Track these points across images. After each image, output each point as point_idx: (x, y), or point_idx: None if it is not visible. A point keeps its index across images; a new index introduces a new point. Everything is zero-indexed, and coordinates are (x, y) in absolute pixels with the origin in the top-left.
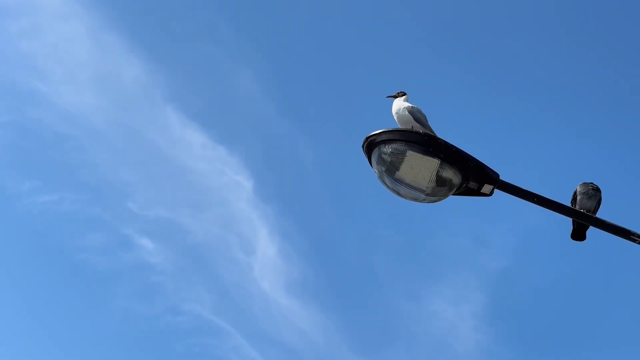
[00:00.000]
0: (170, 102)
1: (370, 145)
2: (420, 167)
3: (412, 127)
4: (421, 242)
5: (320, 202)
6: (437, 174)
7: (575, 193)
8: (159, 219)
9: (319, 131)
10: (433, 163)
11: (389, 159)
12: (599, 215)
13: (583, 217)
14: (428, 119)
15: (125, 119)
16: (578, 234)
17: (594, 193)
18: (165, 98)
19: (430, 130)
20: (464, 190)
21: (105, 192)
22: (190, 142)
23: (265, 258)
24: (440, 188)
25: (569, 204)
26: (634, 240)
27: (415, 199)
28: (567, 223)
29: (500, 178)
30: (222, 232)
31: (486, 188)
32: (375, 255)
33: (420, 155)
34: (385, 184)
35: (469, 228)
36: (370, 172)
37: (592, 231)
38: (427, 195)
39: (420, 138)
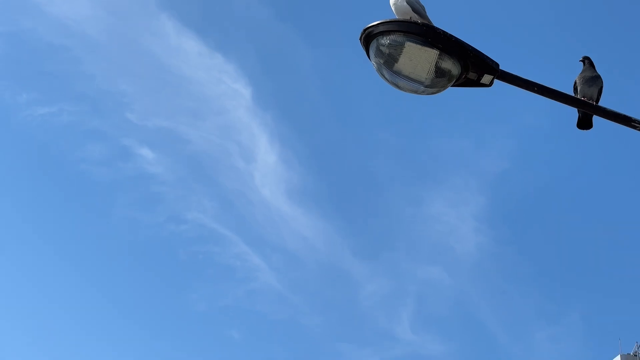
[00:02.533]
0: (165, 10)
1: (368, 38)
2: (419, 58)
3: (410, 18)
4: (421, 146)
5: (319, 108)
6: (436, 64)
7: (575, 83)
8: (158, 129)
9: (317, 34)
10: (432, 54)
11: (387, 51)
12: (600, 104)
13: (584, 105)
14: (426, 10)
15: (121, 29)
16: (584, 123)
17: (594, 80)
18: (160, 6)
19: (429, 20)
20: (464, 82)
21: (103, 103)
22: (186, 50)
23: (265, 165)
24: (440, 79)
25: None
26: (634, 127)
27: (415, 91)
28: (567, 121)
29: (500, 68)
30: (222, 140)
31: (486, 78)
32: (375, 160)
33: (419, 46)
34: (384, 77)
35: (468, 130)
36: (369, 76)
37: (594, 121)
38: (427, 87)
39: (419, 29)
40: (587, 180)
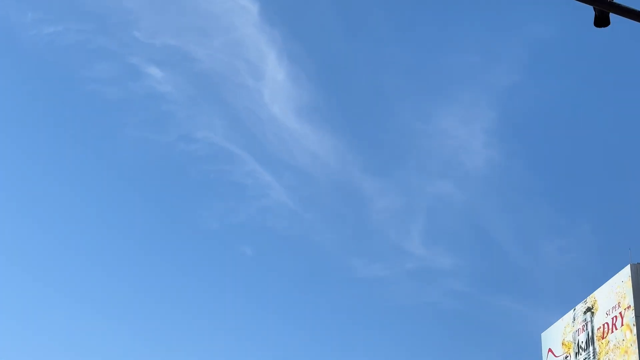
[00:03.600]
0: None
1: None
2: None
3: None
4: (430, 61)
5: (327, 23)
6: None
7: None
8: (165, 47)
9: None
10: None
11: None
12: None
13: (599, 2)
14: None
15: None
16: (601, 20)
17: None
18: None
19: None
20: None
21: (110, 21)
22: None
23: (274, 83)
24: None
25: None
26: None
27: None
28: (578, 31)
29: None
30: (230, 58)
31: None
32: (385, 75)
33: None
34: None
35: (478, 45)
36: None
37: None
38: None
39: None
40: (598, 91)
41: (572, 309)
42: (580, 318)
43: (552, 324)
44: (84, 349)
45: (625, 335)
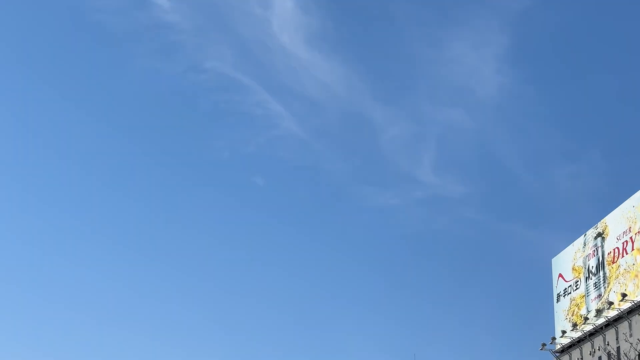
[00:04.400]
0: None
1: None
2: None
3: None
4: None
5: None
6: None
7: None
8: None
9: None
10: None
11: None
12: None
13: None
14: None
15: None
16: None
17: None
18: None
19: None
20: None
21: None
22: None
23: (283, 11)
24: None
25: None
26: None
27: None
28: None
29: None
30: None
31: None
32: (395, 2)
33: None
34: None
35: None
36: None
37: None
38: None
39: None
40: (611, 16)
41: (583, 235)
42: (590, 243)
43: (563, 249)
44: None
45: (636, 259)
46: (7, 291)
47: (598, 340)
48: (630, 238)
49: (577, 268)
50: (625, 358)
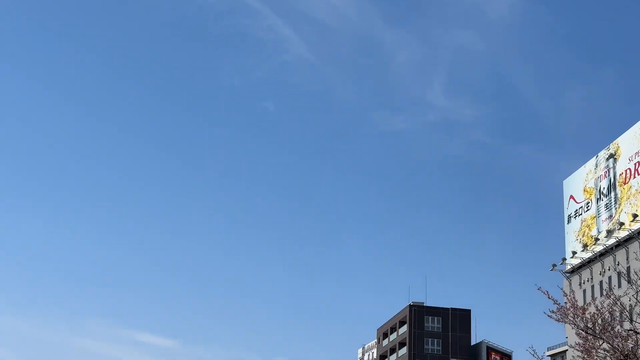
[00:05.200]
0: None
1: None
2: None
3: None
4: None
5: None
6: None
7: None
8: None
9: None
10: None
11: None
12: None
13: None
14: None
15: None
16: None
17: None
18: None
19: None
20: None
21: None
22: None
23: None
24: None
25: None
26: None
27: None
28: None
29: None
30: None
31: None
32: None
33: None
34: None
35: None
36: None
37: None
38: None
39: None
40: None
41: (595, 156)
42: (602, 164)
43: (574, 171)
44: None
45: None
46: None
47: (608, 261)
48: None
49: (588, 189)
50: (636, 276)
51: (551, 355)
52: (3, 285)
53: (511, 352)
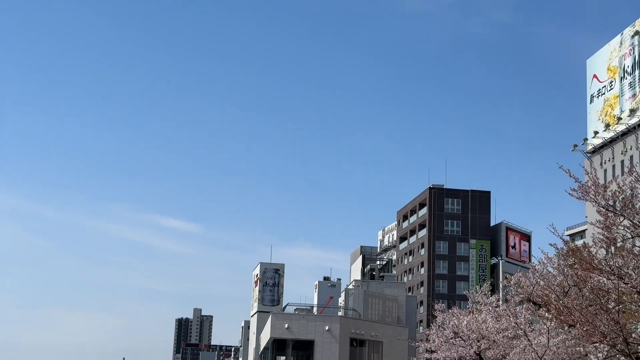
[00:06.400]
0: None
1: None
2: None
3: None
4: None
5: None
6: None
7: None
8: None
9: None
10: None
11: None
12: None
13: None
14: None
15: None
16: None
17: None
18: None
19: None
20: None
21: None
22: None
23: None
24: None
25: None
26: None
27: None
28: None
29: None
30: None
31: None
32: None
33: None
34: None
35: None
36: None
37: None
38: None
39: None
40: None
41: (619, 34)
42: (627, 42)
43: (598, 50)
44: None
45: None
46: None
47: (630, 140)
48: None
49: (612, 68)
50: None
51: (570, 235)
52: (31, 173)
53: (530, 232)
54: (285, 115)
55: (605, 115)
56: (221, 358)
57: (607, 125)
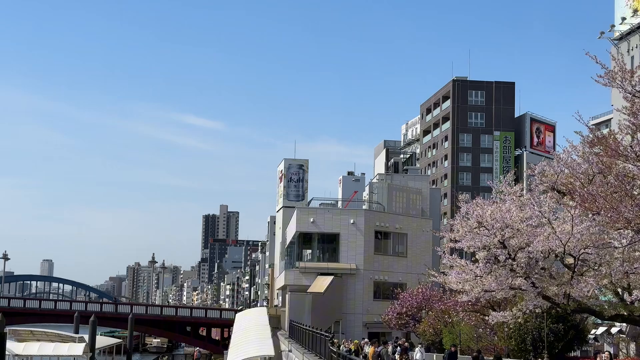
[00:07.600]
0: None
1: None
2: None
3: None
4: None
5: None
6: None
7: None
8: None
9: None
10: None
11: None
12: None
13: None
14: None
15: None
16: None
17: None
18: None
19: None
20: None
21: None
22: None
23: None
24: None
25: None
26: None
27: None
28: None
29: None
30: None
31: None
32: None
33: None
34: None
35: None
36: None
37: None
38: None
39: None
40: None
41: None
42: None
43: None
44: None
45: None
46: None
47: None
48: None
49: None
50: None
51: (595, 124)
52: (57, 74)
53: (555, 123)
54: (309, 6)
55: (634, 1)
56: (248, 252)
57: (635, 11)
